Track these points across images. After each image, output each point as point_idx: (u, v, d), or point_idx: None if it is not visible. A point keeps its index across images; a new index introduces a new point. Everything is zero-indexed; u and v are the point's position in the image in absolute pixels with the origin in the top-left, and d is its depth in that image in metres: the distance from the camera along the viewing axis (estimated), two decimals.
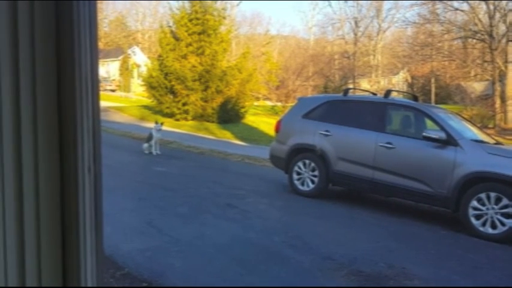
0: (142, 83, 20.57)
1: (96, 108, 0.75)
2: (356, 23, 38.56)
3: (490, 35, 22.52)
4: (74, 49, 0.70)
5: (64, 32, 0.70)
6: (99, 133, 0.76)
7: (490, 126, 19.65)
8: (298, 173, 6.46)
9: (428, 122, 5.77)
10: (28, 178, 0.68)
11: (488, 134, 6.73)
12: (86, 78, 0.72)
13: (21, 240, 0.68)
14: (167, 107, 17.32)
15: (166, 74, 17.35)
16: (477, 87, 26.27)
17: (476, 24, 23.97)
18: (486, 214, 4.85)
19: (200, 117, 17.35)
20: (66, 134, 0.70)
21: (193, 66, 17.26)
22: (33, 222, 0.69)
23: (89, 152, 0.73)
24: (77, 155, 0.70)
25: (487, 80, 26.08)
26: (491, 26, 22.66)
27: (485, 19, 23.70)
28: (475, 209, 4.93)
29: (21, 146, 0.67)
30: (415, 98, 7.23)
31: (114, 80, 34.71)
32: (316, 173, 6.27)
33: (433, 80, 30.46)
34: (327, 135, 6.24)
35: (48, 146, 0.69)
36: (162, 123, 10.05)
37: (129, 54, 35.84)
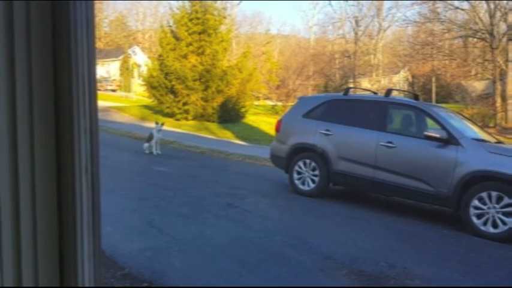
0: (143, 82, 20.58)
1: (93, 109, 0.75)
2: (356, 22, 38.52)
3: (491, 34, 22.47)
4: (70, 49, 0.70)
5: (61, 32, 0.70)
6: (97, 133, 0.76)
7: (491, 125, 19.61)
8: (299, 173, 6.45)
9: (429, 121, 5.76)
10: (25, 178, 0.68)
11: (489, 133, 6.71)
12: (83, 79, 0.72)
13: (17, 241, 0.68)
14: (167, 107, 17.32)
15: (166, 74, 17.36)
16: (478, 86, 26.22)
17: (476, 23, 23.93)
18: (487, 213, 4.84)
19: (200, 117, 17.35)
20: (63, 134, 0.69)
21: (194, 66, 17.26)
22: (29, 222, 0.68)
23: (86, 152, 0.72)
24: (74, 155, 0.70)
25: (488, 79, 26.02)
26: (491, 24, 22.61)
27: (485, 18, 23.65)
28: (476, 208, 4.92)
29: (17, 146, 0.67)
30: (416, 97, 7.21)
31: (114, 80, 34.72)
32: (316, 172, 6.27)
33: (433, 79, 30.41)
34: (327, 134, 6.23)
35: (45, 146, 0.69)
36: (162, 124, 10.04)
37: (129, 54, 35.86)
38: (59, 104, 0.69)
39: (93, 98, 0.74)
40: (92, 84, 0.74)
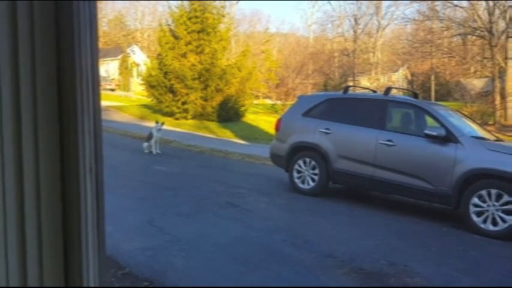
0: (142, 82, 20.55)
1: (97, 108, 0.75)
2: (355, 20, 38.54)
3: (490, 32, 22.49)
4: (74, 49, 0.70)
5: (64, 32, 0.70)
6: (100, 133, 0.76)
7: (490, 123, 19.63)
8: (299, 171, 6.45)
9: (429, 119, 5.76)
10: (29, 178, 0.68)
11: (489, 131, 6.72)
12: (87, 79, 0.72)
13: (22, 240, 0.68)
14: (167, 106, 17.31)
15: (165, 73, 17.34)
16: (477, 84, 26.26)
17: (475, 21, 23.94)
18: (487, 211, 4.85)
19: (200, 116, 17.34)
20: (66, 134, 0.70)
21: (193, 65, 17.25)
22: (34, 222, 0.68)
23: (90, 152, 0.73)
24: (78, 155, 0.70)
25: (487, 76, 26.06)
26: (490, 22, 22.63)
27: (484, 16, 23.67)
28: (476, 206, 4.92)
29: (21, 146, 0.67)
30: (415, 95, 7.22)
31: (113, 79, 34.67)
32: (316, 171, 6.27)
33: (432, 77, 30.44)
34: (327, 133, 6.23)
35: (49, 146, 0.69)
36: (162, 123, 10.03)
37: (128, 53, 35.80)
38: (62, 104, 0.69)
39: (96, 98, 0.74)
40: (95, 84, 0.74)
